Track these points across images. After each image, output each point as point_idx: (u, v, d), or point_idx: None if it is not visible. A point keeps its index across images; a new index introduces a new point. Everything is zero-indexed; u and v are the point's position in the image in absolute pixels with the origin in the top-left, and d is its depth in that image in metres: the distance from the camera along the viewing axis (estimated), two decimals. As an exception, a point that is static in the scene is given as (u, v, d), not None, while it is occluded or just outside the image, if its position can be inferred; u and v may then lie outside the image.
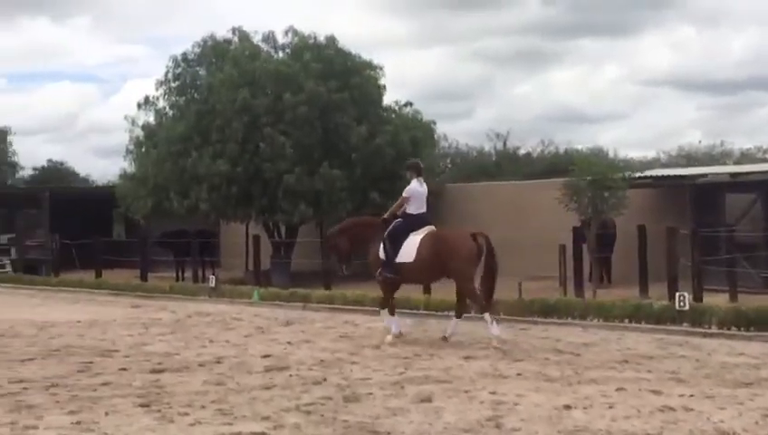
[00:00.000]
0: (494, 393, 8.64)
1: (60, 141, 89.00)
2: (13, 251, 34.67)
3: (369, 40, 77.10)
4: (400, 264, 12.32)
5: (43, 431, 7.32)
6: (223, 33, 26.89)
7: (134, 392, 9.01)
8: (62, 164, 54.65)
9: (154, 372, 10.38)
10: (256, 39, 27.04)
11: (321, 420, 7.59)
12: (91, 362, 11.19)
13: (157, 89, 26.40)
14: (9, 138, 48.64)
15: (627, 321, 13.85)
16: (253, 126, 24.02)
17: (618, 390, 8.72)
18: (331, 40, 26.62)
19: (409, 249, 12.20)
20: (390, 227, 12.61)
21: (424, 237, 12.24)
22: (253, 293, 19.44)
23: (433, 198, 25.57)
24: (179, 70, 26.26)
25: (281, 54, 26.87)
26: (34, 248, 34.27)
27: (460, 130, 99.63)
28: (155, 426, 7.49)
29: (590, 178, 17.30)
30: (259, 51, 26.36)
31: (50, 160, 55.72)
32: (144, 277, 25.71)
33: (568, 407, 7.96)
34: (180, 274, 27.23)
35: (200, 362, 11.03)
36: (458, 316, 12.62)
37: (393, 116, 26.92)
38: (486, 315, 11.93)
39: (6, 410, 8.21)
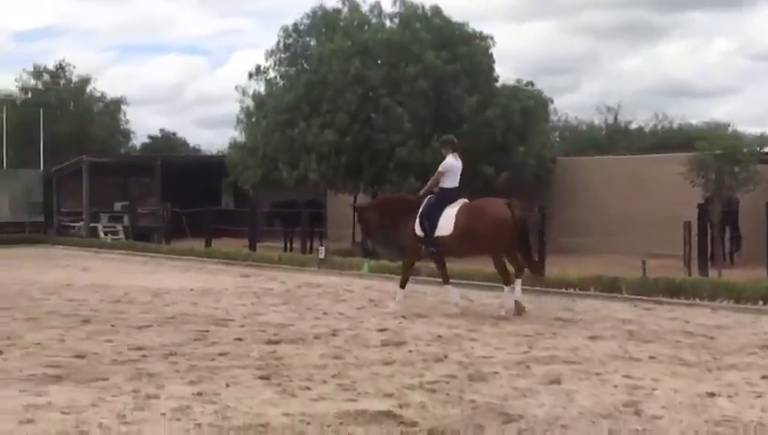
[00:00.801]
0: (628, 377, 8.13)
1: (168, 113, 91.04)
2: (125, 218, 35.42)
3: (471, 13, 76.14)
4: (439, 237, 12.46)
5: (164, 401, 7.17)
6: (333, 2, 26.70)
7: (253, 364, 8.83)
8: (173, 134, 55.75)
9: (270, 343, 10.22)
10: (363, 9, 26.73)
11: (447, 400, 7.25)
12: (206, 331, 11.11)
13: (267, 59, 26.41)
14: (123, 107, 49.66)
15: (761, 303, 13.06)
16: (366, 97, 23.73)
17: (763, 377, 8.11)
18: (437, 10, 26.12)
19: (447, 222, 12.36)
20: (425, 202, 12.73)
21: (460, 209, 12.42)
22: (362, 265, 19.22)
23: (545, 171, 25.31)
24: (290, 40, 26.14)
25: (388, 24, 26.47)
26: (146, 216, 34.96)
27: (565, 105, 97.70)
28: (277, 400, 7.26)
29: (718, 153, 16.45)
30: (369, 20, 26.02)
31: (161, 130, 56.93)
32: (253, 247, 25.83)
33: (711, 395, 7.41)
34: (289, 244, 27.29)
35: (315, 335, 10.83)
36: (507, 284, 12.53)
37: (504, 87, 26.29)
38: (513, 285, 12.32)
39: (127, 377, 8.14)
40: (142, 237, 32.15)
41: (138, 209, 35.55)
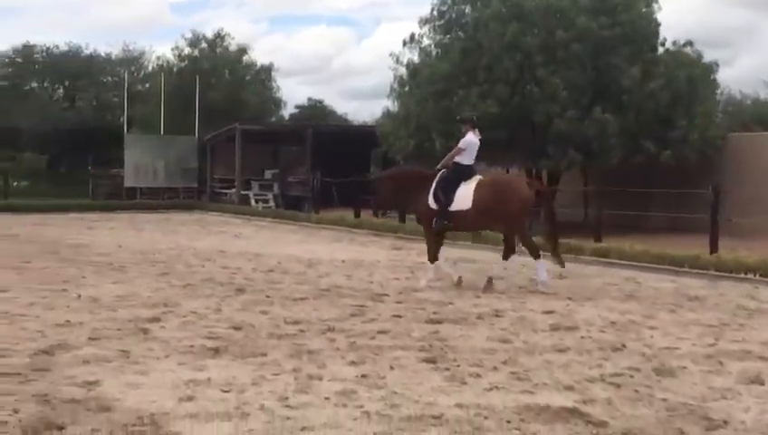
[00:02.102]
0: (841, 380, 7.19)
1: (315, 83, 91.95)
2: (275, 186, 35.69)
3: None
4: (455, 211, 12.44)
5: (327, 383, 6.72)
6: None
7: (415, 345, 8.31)
8: (321, 102, 55.99)
9: (431, 322, 9.68)
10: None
11: (635, 397, 6.51)
12: (363, 306, 10.69)
13: (421, 27, 25.76)
14: (273, 75, 50.14)
15: None
16: (523, 65, 22.80)
17: None
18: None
19: (464, 197, 12.36)
20: (439, 177, 12.71)
21: (479, 185, 12.43)
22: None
23: (712, 148, 23.72)
24: (444, 7, 25.41)
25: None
26: (296, 184, 35.12)
27: (722, 79, 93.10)
28: (447, 388, 6.70)
29: None
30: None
31: (310, 99, 57.28)
32: (402, 219, 25.40)
33: None
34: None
35: (478, 314, 10.23)
36: (505, 259, 12.70)
37: (667, 55, 24.76)
38: (538, 263, 12.38)
39: (287, 353, 7.76)
40: (292, 206, 32.31)
41: (288, 178, 35.75)
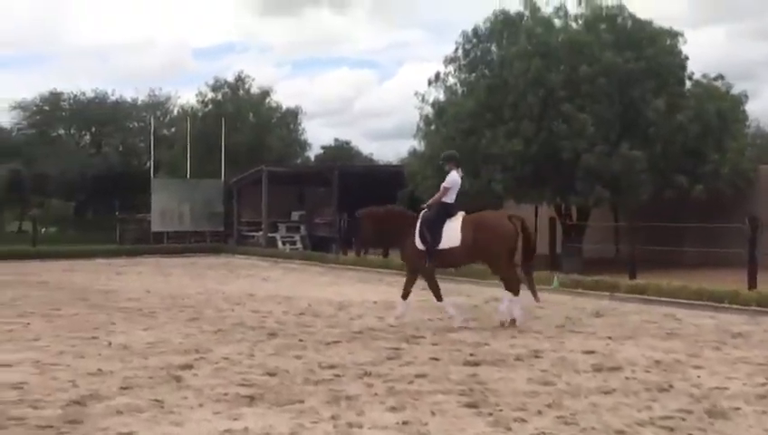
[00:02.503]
0: None
1: (337, 125, 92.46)
2: (302, 228, 35.60)
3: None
4: (444, 250, 12.51)
5: (368, 431, 6.52)
6: (515, 6, 25.74)
7: (455, 388, 8.07)
8: (347, 143, 56.13)
9: (469, 364, 9.44)
10: (547, 11, 25.64)
11: (690, 442, 6.25)
12: (398, 349, 10.47)
13: (446, 65, 25.75)
14: (299, 117, 50.37)
15: None
16: (547, 101, 22.67)
17: None
18: (622, 9, 24.70)
19: (452, 235, 12.47)
20: (422, 217, 12.77)
21: (464, 222, 12.53)
22: (552, 279, 18.17)
23: (744, 180, 23.40)
24: (469, 46, 25.38)
25: (573, 26, 25.25)
26: (323, 226, 35.00)
27: (749, 111, 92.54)
28: (491, 434, 6.46)
29: None
30: (553, 24, 24.93)
31: (336, 140, 57.45)
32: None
33: None
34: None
35: (516, 356, 9.97)
36: (515, 294, 12.72)
37: (695, 87, 24.57)
38: (506, 294, 12.64)
39: (324, 400, 7.54)
40: (319, 247, 32.16)
41: (315, 219, 35.67)
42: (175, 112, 55.51)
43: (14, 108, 55.32)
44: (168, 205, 37.69)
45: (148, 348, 10.47)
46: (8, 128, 55.54)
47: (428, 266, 12.84)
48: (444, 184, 12.81)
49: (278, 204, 36.65)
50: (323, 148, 56.84)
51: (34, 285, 20.10)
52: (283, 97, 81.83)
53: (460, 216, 12.70)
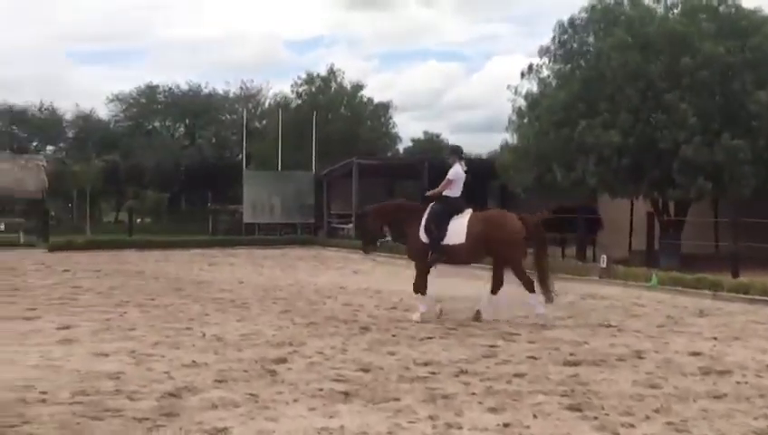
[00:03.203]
0: None
1: (424, 118, 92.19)
2: (392, 221, 35.42)
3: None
4: (448, 245, 12.38)
5: (467, 433, 6.28)
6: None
7: (556, 389, 7.77)
8: (437, 136, 55.86)
9: (569, 364, 9.11)
10: (646, 1, 24.86)
11: (814, 454, 5.85)
12: (494, 346, 10.20)
13: (540, 57, 25.22)
14: (390, 111, 50.30)
15: None
16: (646, 93, 21.99)
17: None
18: (724, -2, 23.79)
19: (458, 231, 12.35)
20: (429, 211, 12.60)
21: (471, 219, 12.44)
22: (651, 276, 17.61)
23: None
24: (565, 36, 24.80)
25: (670, 15, 24.43)
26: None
27: None
28: (598, 439, 6.16)
29: None
30: (653, 13, 24.17)
31: (425, 132, 57.24)
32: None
33: None
34: (561, 251, 25.94)
35: (618, 356, 9.59)
36: (494, 293, 12.69)
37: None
38: (532, 297, 12.32)
39: (420, 398, 7.33)
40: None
41: (404, 212, 35.45)
42: (266, 105, 56.06)
43: (112, 100, 56.68)
44: (259, 197, 38.01)
45: (241, 340, 10.43)
46: (106, 120, 56.90)
47: (432, 260, 12.71)
48: (448, 176, 12.70)
49: (368, 196, 36.55)
50: (413, 141, 56.70)
51: (131, 274, 20.41)
52: (371, 90, 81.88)
53: (467, 213, 12.58)
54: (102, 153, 45.98)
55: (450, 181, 12.67)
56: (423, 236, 12.57)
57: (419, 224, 12.59)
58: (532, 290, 12.37)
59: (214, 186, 47.20)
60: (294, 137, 42.43)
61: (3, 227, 34.19)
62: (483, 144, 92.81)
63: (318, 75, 48.24)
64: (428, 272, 12.97)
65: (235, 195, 42.13)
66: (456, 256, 12.79)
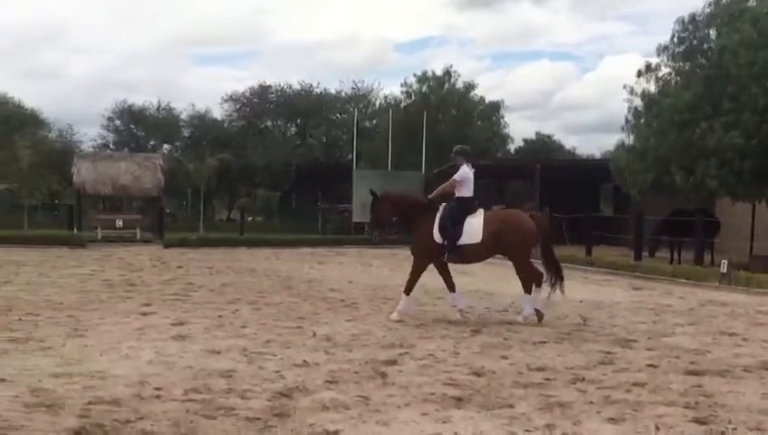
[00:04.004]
0: None
1: (533, 118, 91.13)
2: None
3: None
4: (464, 245, 12.41)
5: (587, 443, 6.01)
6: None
7: (679, 400, 7.41)
8: (549, 137, 55.07)
9: (690, 373, 8.70)
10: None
11: None
12: (610, 353, 9.84)
13: (659, 54, 24.45)
14: (501, 109, 49.78)
15: None
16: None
17: None
18: None
19: (473, 231, 12.40)
20: (446, 210, 12.57)
21: (486, 218, 12.55)
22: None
23: None
24: (685, 33, 23.96)
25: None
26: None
27: None
28: (727, 456, 5.81)
29: None
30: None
31: (537, 133, 56.52)
32: (638, 257, 24.08)
33: None
34: (677, 255, 25.13)
35: (744, 367, 9.12)
36: (528, 292, 12.64)
37: None
38: (526, 297, 12.61)
39: (536, 406, 7.09)
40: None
41: (515, 213, 35.00)
42: (377, 105, 56.25)
43: (226, 100, 57.81)
44: (368, 196, 38.03)
45: (351, 340, 10.36)
46: (220, 120, 58.06)
47: (448, 259, 12.65)
48: (455, 177, 12.68)
49: (478, 197, 36.17)
50: (525, 141, 56.05)
51: (242, 271, 20.68)
52: (481, 90, 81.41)
53: (480, 213, 12.65)
54: (216, 152, 46.90)
55: (457, 182, 12.66)
56: (437, 236, 12.52)
57: (432, 222, 12.54)
58: (529, 291, 12.58)
59: (324, 185, 47.62)
60: (405, 137, 42.39)
61: (121, 223, 35.17)
62: (594, 145, 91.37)
63: (433, 73, 48.06)
64: (421, 272, 12.89)
65: (344, 194, 42.38)
66: (469, 256, 12.83)
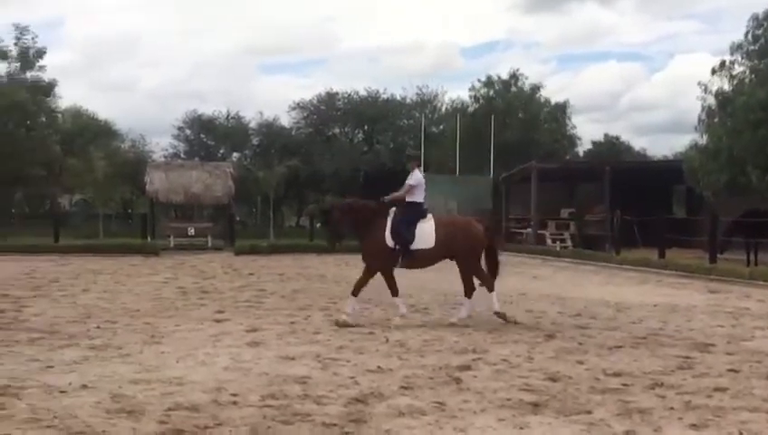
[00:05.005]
0: None
1: (602, 120, 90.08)
2: (572, 226, 34.71)
3: None
4: (417, 250, 12.47)
5: (669, 451, 5.89)
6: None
7: (762, 406, 7.26)
8: (617, 139, 54.36)
9: (773, 378, 8.50)
10: None
11: None
12: (689, 358, 9.66)
13: (732, 53, 23.99)
14: (568, 112, 49.25)
15: None
16: None
17: None
18: None
19: (425, 236, 12.48)
20: (399, 215, 12.56)
21: (437, 224, 12.65)
22: None
23: None
24: (760, 30, 23.45)
25: None
26: (594, 223, 33.93)
27: None
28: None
29: None
30: None
31: (606, 135, 55.83)
32: (713, 259, 23.59)
33: None
34: (753, 256, 24.54)
35: (833, 373, 8.86)
36: (469, 296, 12.83)
37: None
38: (494, 294, 12.77)
39: (614, 412, 6.98)
40: (590, 246, 31.14)
41: (585, 216, 34.63)
42: (443, 110, 56.10)
43: (294, 108, 58.24)
44: (435, 201, 37.90)
45: (424, 346, 10.34)
46: (288, 127, 58.51)
47: (402, 264, 12.68)
48: (409, 182, 12.72)
49: (547, 201, 35.97)
50: (593, 143, 55.41)
51: (312, 278, 20.79)
52: (548, 92, 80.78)
53: (431, 218, 12.74)
54: (284, 160, 47.25)
55: (412, 186, 12.69)
56: (389, 241, 12.48)
57: (383, 228, 12.52)
58: (469, 296, 12.81)
59: (391, 190, 47.51)
60: (471, 141, 42.20)
61: (193, 231, 35.66)
62: (665, 146, 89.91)
63: (498, 78, 47.78)
64: (372, 276, 12.85)
65: (412, 200, 42.29)
66: (421, 261, 12.84)
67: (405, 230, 12.48)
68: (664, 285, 19.72)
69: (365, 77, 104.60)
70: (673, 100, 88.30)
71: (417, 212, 12.72)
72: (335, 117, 58.64)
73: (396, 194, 12.91)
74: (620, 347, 10.40)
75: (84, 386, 7.73)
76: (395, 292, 12.96)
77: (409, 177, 12.85)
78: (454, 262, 12.94)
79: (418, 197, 12.81)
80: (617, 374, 8.60)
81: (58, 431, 6.25)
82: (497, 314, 12.67)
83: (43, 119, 40.14)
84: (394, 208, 12.73)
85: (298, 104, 57.93)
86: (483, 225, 13.11)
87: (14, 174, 37.94)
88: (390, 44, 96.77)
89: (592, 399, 7.48)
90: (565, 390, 7.85)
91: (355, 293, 12.74)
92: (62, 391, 7.52)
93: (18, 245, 30.16)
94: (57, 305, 14.26)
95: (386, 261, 12.71)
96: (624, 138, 57.04)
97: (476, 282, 12.91)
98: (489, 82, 47.69)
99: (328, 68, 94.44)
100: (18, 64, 37.94)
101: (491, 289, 12.82)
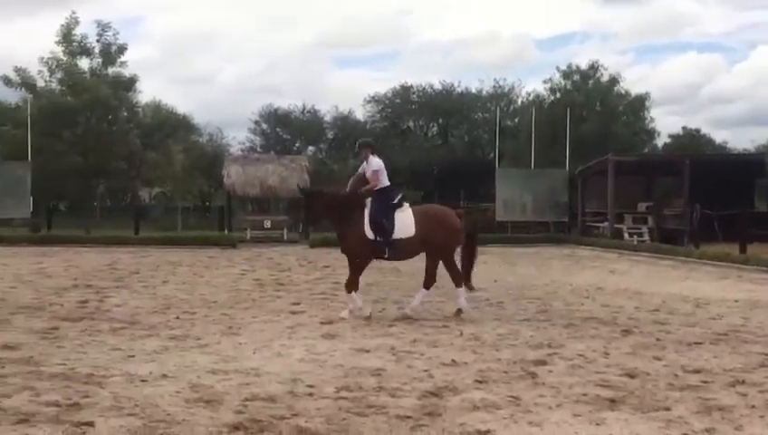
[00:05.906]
0: None
1: (680, 112, 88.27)
2: (650, 220, 34.15)
3: None
4: (398, 240, 12.20)
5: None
6: None
7: None
8: (697, 131, 53.27)
9: None
10: None
11: None
12: (773, 355, 9.44)
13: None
14: (647, 104, 48.35)
15: None
16: None
17: None
18: None
19: (405, 225, 12.22)
20: (373, 205, 12.22)
21: (417, 214, 12.43)
22: None
23: None
24: None
25: None
26: (672, 218, 33.33)
27: None
28: None
29: None
30: None
31: (684, 128, 54.76)
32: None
33: None
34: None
35: None
36: (428, 288, 12.68)
37: None
38: (460, 290, 12.53)
39: (693, 409, 6.88)
40: (668, 240, 30.59)
41: (663, 210, 34.02)
42: (519, 102, 55.72)
43: (369, 102, 58.51)
44: (511, 195, 37.70)
45: (498, 340, 10.30)
46: (363, 121, 58.79)
47: (389, 256, 12.40)
48: (372, 169, 12.39)
49: (624, 194, 35.41)
50: (671, 136, 54.39)
51: (386, 271, 20.77)
52: (626, 84, 79.62)
53: (407, 207, 12.49)
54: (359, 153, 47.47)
55: (376, 172, 12.37)
56: (368, 233, 12.17)
57: (362, 221, 12.19)
58: (459, 284, 12.56)
59: (466, 184, 47.46)
60: (548, 134, 41.78)
61: (269, 224, 36.04)
62: (746, 139, 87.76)
63: (577, 68, 47.12)
64: (363, 268, 12.63)
65: (486, 193, 42.12)
66: (403, 251, 12.54)
67: (384, 219, 12.24)
68: (745, 280, 19.27)
69: (439, 70, 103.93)
70: (755, 91, 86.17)
71: (389, 196, 12.49)
72: (410, 110, 58.74)
73: (366, 187, 12.58)
74: (700, 344, 10.22)
75: (164, 375, 7.90)
76: (356, 287, 12.56)
77: (367, 165, 12.58)
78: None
79: (385, 180, 12.56)
80: (696, 371, 8.46)
81: (139, 420, 6.40)
82: (459, 311, 12.48)
83: (125, 113, 40.94)
84: (369, 199, 12.45)
85: (373, 98, 58.25)
86: (460, 216, 12.85)
87: (96, 168, 38.79)
88: (464, 37, 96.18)
89: (671, 396, 7.37)
90: (643, 386, 7.75)
91: (354, 290, 12.53)
92: (143, 380, 7.70)
93: (100, 237, 30.92)
94: (138, 296, 14.58)
95: (367, 254, 12.49)
96: (704, 130, 55.89)
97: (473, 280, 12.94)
98: (568, 73, 47.10)
99: (402, 61, 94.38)
100: (101, 60, 38.74)
101: (459, 284, 12.59)
